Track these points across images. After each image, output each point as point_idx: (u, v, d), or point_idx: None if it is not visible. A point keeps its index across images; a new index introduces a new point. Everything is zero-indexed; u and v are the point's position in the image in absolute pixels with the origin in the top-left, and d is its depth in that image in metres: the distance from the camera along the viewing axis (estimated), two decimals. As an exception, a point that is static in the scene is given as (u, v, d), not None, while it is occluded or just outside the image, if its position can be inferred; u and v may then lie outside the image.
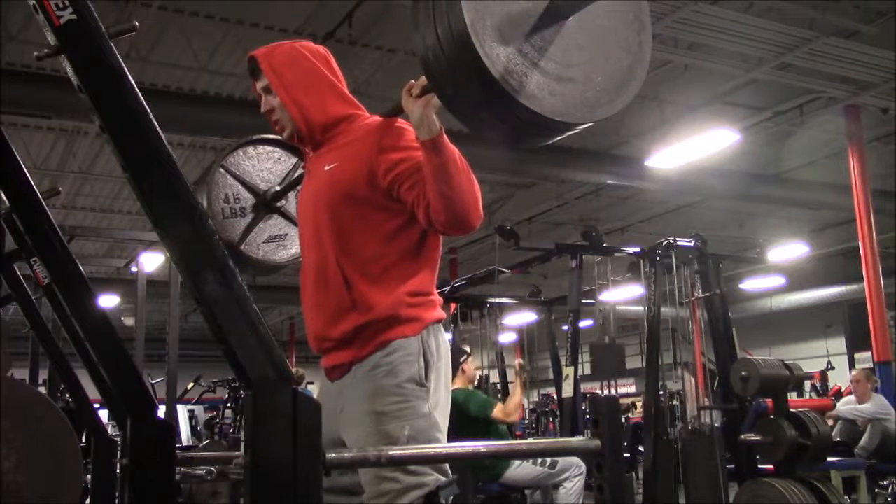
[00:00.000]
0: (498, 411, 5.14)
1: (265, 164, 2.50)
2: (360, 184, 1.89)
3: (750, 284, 16.56)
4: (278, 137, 2.32)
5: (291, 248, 2.52)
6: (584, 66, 1.45)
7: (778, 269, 15.48)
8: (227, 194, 2.42)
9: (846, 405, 7.22)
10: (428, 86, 1.62)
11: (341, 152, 1.96)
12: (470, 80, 1.36)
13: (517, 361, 5.99)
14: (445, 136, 1.75)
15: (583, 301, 6.93)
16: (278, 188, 2.46)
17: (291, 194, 2.49)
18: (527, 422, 12.75)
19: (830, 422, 6.76)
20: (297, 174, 2.47)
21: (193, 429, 11.85)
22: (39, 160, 10.37)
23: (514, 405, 5.26)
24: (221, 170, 2.42)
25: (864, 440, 6.65)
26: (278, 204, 2.47)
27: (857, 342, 12.05)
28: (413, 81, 1.72)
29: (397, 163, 1.85)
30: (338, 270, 1.89)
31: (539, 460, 4.88)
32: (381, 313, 1.86)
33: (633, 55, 1.51)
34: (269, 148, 2.52)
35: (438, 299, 1.98)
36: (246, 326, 1.17)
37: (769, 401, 5.19)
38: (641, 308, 6.74)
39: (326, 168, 1.95)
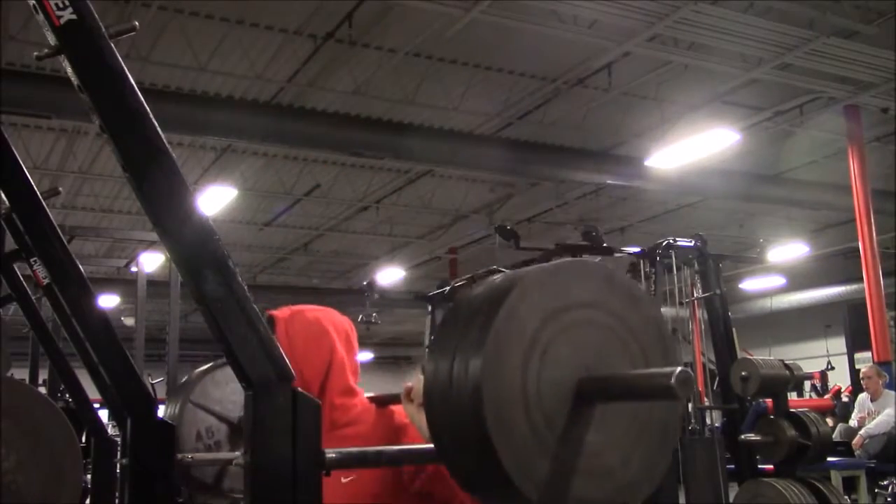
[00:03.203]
0: None
1: (235, 386, 2.43)
2: (388, 490, 1.86)
3: (750, 284, 16.56)
4: None
5: None
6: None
7: (778, 269, 15.48)
8: (198, 431, 2.33)
9: (864, 408, 7.19)
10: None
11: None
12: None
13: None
14: None
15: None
16: None
17: None
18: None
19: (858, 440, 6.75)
20: None
21: (193, 429, 11.84)
22: (39, 160, 10.37)
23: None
24: (190, 405, 2.33)
25: (867, 442, 6.66)
26: None
27: (857, 342, 12.04)
28: (411, 387, 1.68)
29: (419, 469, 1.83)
30: None
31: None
32: None
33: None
34: None
35: None
36: (246, 326, 1.17)
37: (769, 401, 5.19)
38: (641, 308, 6.72)
39: (344, 480, 1.91)
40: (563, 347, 1.17)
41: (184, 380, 2.39)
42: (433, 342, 1.22)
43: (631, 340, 1.23)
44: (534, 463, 1.11)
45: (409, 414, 1.72)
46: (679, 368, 1.05)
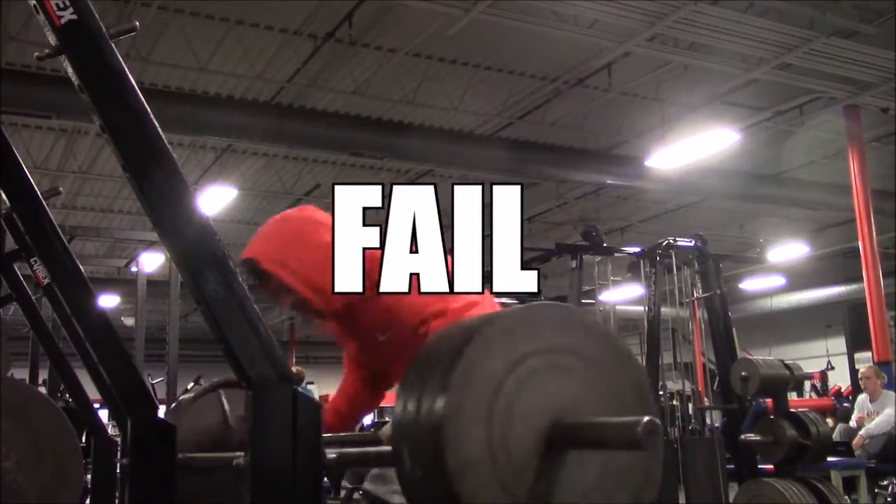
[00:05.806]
0: None
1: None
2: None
3: (750, 284, 16.56)
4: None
5: None
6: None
7: (778, 269, 15.48)
8: None
9: (863, 409, 7.19)
10: None
11: None
12: None
13: None
14: None
15: (583, 301, 6.93)
16: None
17: None
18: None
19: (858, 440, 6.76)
20: None
21: (193, 429, 11.83)
22: (39, 160, 10.37)
23: None
24: None
25: (866, 442, 6.65)
26: None
27: (857, 342, 12.04)
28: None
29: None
30: None
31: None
32: None
33: None
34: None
35: None
36: (246, 326, 1.17)
37: (769, 401, 5.20)
38: (641, 308, 6.74)
39: (381, 339, 2.02)
40: (531, 394, 1.14)
41: None
42: (400, 388, 1.19)
43: (604, 384, 1.20)
44: None
45: None
46: (646, 418, 1.03)
